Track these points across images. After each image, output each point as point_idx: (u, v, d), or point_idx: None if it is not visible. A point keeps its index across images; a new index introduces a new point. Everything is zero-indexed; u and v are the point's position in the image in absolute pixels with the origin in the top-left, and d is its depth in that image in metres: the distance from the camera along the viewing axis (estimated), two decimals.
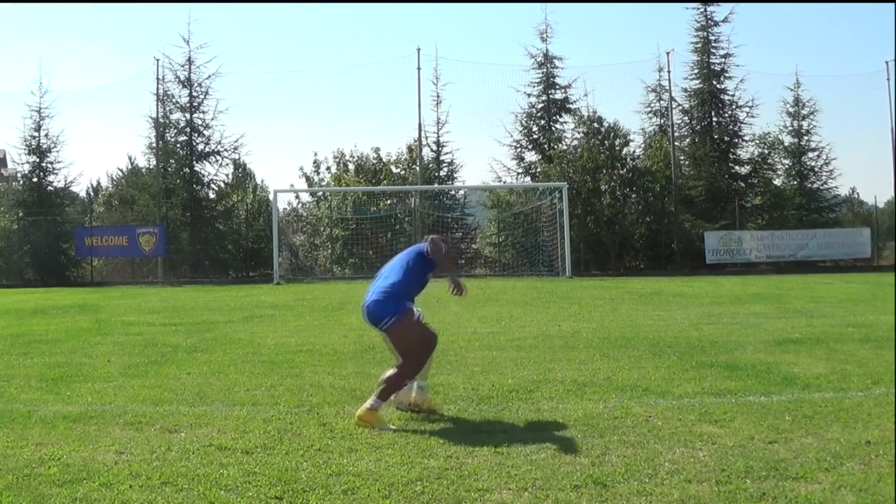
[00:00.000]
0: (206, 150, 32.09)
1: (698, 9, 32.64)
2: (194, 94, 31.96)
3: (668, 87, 32.81)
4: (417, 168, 32.03)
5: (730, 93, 32.65)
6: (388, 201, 32.33)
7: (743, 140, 32.79)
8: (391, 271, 6.05)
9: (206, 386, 7.17)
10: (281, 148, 52.62)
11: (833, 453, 4.72)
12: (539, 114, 33.71)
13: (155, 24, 76.83)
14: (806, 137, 32.70)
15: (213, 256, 31.46)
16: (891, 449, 4.78)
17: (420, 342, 5.89)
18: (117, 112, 45.99)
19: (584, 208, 30.04)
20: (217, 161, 32.38)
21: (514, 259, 30.85)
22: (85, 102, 47.01)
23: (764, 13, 72.53)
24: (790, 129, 32.87)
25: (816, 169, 32.62)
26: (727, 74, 32.64)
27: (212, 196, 32.86)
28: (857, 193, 39.02)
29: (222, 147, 32.13)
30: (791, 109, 32.92)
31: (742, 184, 32.69)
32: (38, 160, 31.51)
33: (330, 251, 32.01)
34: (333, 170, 34.79)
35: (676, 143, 31.82)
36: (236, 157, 33.07)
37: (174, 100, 32.04)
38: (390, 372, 5.87)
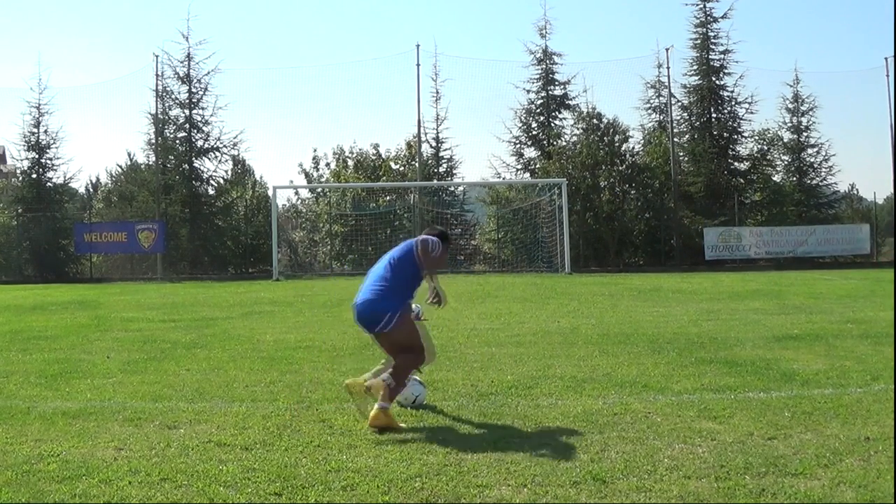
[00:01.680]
0: (206, 146, 32.08)
1: (697, 5, 32.64)
2: (193, 90, 31.95)
3: (667, 84, 32.81)
4: (417, 164, 32.01)
5: (729, 89, 32.67)
6: (388, 197, 32.32)
7: (742, 136, 32.81)
8: (380, 268, 5.77)
9: (206, 382, 7.17)
10: (280, 144, 52.67)
11: (832, 449, 4.72)
12: (538, 110, 33.70)
13: (154, 20, 76.83)
14: (805, 133, 32.71)
15: (213, 253, 31.44)
16: (890, 445, 4.78)
17: (415, 339, 5.64)
18: (116, 108, 46.04)
19: (583, 204, 30.03)
20: (216, 157, 32.39)
21: (514, 255, 30.86)
22: (84, 99, 47.03)
23: (763, 9, 72.52)
24: (789, 125, 32.88)
25: (816, 165, 32.64)
26: (726, 70, 32.65)
27: (211, 192, 32.85)
28: (857, 189, 39.01)
29: (221, 143, 32.13)
30: (790, 105, 32.94)
31: (741, 180, 32.70)
32: (37, 156, 31.50)
33: (329, 247, 32.02)
34: (333, 166, 34.79)
35: (676, 140, 31.81)
36: (235, 153, 33.09)
37: (173, 96, 32.02)
38: (387, 372, 5.55)
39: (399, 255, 5.80)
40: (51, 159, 31.59)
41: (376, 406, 5.35)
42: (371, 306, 5.58)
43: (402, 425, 5.40)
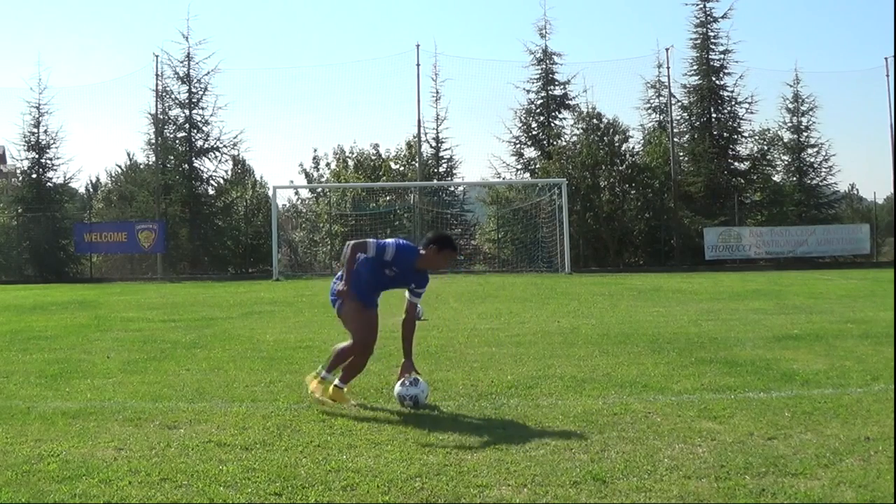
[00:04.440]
0: (206, 146, 32.10)
1: (697, 5, 32.68)
2: (193, 90, 31.97)
3: (667, 84, 32.83)
4: (416, 164, 32.01)
5: (729, 89, 32.70)
6: (388, 197, 32.32)
7: (742, 136, 32.82)
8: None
9: (206, 382, 7.17)
10: (280, 144, 52.69)
11: (832, 449, 4.72)
12: (538, 110, 33.71)
13: (154, 20, 76.83)
14: (805, 133, 32.73)
15: (213, 253, 31.45)
16: (890, 445, 4.78)
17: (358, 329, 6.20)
18: (116, 108, 46.06)
19: (583, 204, 30.03)
20: (216, 157, 32.43)
21: (514, 255, 30.85)
22: (84, 99, 47.14)
23: (763, 9, 72.51)
24: (789, 125, 32.90)
25: (816, 165, 32.67)
26: (726, 70, 32.68)
27: (211, 192, 32.85)
28: (857, 189, 39.12)
29: (221, 143, 32.16)
30: (790, 105, 32.95)
31: (741, 180, 32.71)
32: (37, 156, 31.52)
33: (329, 247, 32.02)
34: (333, 166, 34.79)
35: (676, 140, 31.81)
36: (235, 153, 33.12)
37: (173, 96, 32.05)
38: (342, 345, 6.26)
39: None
40: (51, 159, 31.65)
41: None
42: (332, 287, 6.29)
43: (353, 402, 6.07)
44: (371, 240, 6.22)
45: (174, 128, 32.21)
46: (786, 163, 32.98)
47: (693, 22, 32.79)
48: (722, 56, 32.58)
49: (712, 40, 32.54)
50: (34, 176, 31.42)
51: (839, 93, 45.53)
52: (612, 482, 4.20)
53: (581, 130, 31.59)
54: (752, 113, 32.68)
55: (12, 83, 64.69)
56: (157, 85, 31.47)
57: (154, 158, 31.85)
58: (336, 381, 6.09)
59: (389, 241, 6.20)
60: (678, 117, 32.97)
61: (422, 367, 6.47)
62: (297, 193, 35.52)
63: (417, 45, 31.39)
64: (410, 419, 5.67)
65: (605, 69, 55.76)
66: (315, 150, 38.36)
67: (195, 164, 32.06)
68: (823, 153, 32.60)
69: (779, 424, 5.31)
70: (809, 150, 32.68)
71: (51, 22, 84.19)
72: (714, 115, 32.73)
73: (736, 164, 32.96)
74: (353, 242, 6.14)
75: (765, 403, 5.93)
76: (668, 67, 32.36)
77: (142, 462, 4.67)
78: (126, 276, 30.65)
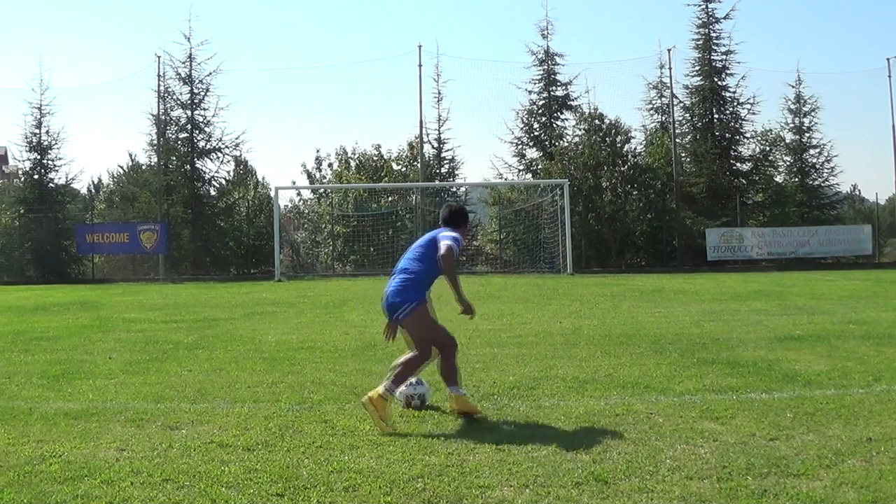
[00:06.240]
0: (208, 146, 32.05)
1: (700, 6, 32.57)
2: (195, 90, 31.91)
3: (669, 84, 32.80)
4: (419, 165, 32.01)
5: (731, 89, 32.59)
6: (390, 198, 32.32)
7: (744, 137, 32.74)
8: (408, 259, 5.95)
9: (208, 383, 7.17)
10: (282, 145, 52.77)
11: (834, 450, 4.71)
12: (540, 110, 33.67)
13: (156, 20, 76.94)
14: (807, 134, 32.64)
15: (215, 253, 31.43)
16: (892, 446, 4.78)
17: (434, 336, 5.79)
18: (118, 109, 45.96)
19: (585, 205, 30.01)
20: (218, 158, 32.33)
21: (516, 256, 30.84)
22: (86, 99, 47.12)
23: (765, 10, 72.50)
24: (791, 125, 32.82)
25: (818, 166, 32.59)
26: (729, 71, 32.57)
27: (213, 193, 32.84)
28: (859, 190, 39.05)
29: (223, 144, 32.10)
30: (792, 106, 32.87)
31: (743, 180, 32.64)
32: (39, 157, 31.47)
33: (331, 248, 32.03)
34: (335, 167, 34.81)
35: (678, 140, 31.78)
36: (237, 153, 33.09)
37: (175, 96, 32.01)
38: (405, 357, 5.78)
39: (427, 245, 5.95)
40: (52, 160, 31.56)
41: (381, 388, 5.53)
42: (391, 297, 5.80)
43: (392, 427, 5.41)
44: (453, 244, 5.84)
45: (176, 128, 32.19)
46: (788, 163, 32.93)
47: (695, 23, 32.74)
48: (724, 57, 32.53)
49: (714, 41, 32.49)
50: (36, 177, 31.40)
51: (841, 94, 45.59)
52: (615, 483, 4.20)
53: (583, 131, 31.56)
54: (754, 114, 32.61)
55: (14, 84, 64.82)
56: (158, 86, 31.48)
57: (156, 159, 31.85)
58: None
59: (450, 236, 5.88)
60: (680, 118, 32.94)
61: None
62: (299, 194, 35.53)
63: (419, 46, 31.38)
64: (412, 420, 5.68)
65: (607, 70, 55.65)
66: (318, 151, 38.40)
67: (197, 165, 32.03)
68: (825, 154, 32.55)
69: (781, 425, 5.31)
70: (811, 151, 32.62)
71: (52, 22, 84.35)
72: (716, 116, 32.69)
73: (738, 164, 32.90)
74: (447, 255, 5.74)
75: (767, 404, 5.93)
76: (670, 68, 32.35)
77: (144, 463, 4.67)
78: (128, 276, 30.64)
